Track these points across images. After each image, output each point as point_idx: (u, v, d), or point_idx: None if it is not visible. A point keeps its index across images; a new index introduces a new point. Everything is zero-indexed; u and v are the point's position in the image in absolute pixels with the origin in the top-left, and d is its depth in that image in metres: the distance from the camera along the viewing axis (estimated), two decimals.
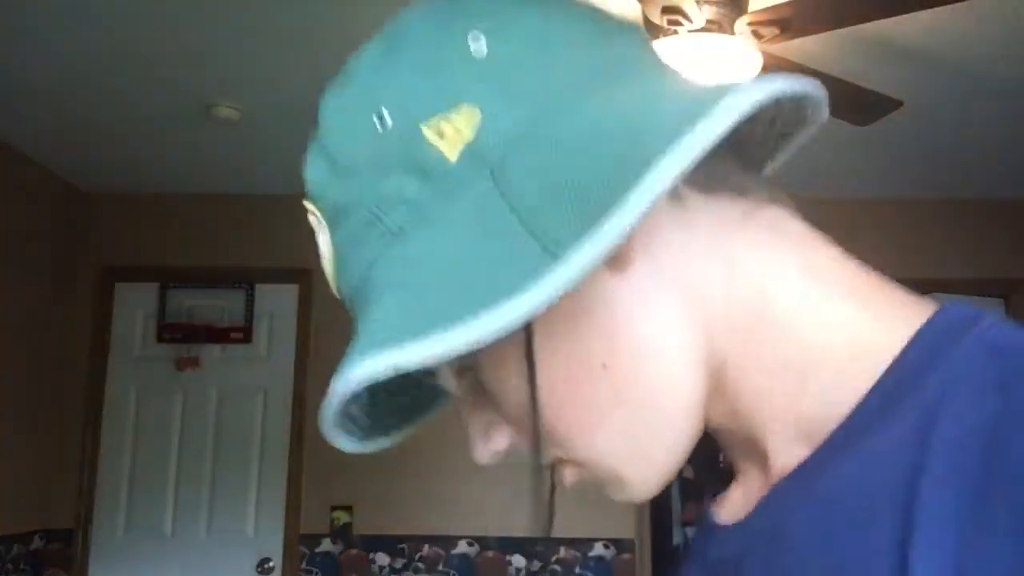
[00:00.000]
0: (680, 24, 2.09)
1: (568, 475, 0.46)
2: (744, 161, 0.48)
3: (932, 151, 3.55)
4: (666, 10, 2.05)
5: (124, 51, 2.79)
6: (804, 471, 0.42)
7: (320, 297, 4.07)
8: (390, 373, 0.35)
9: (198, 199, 4.16)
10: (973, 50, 2.71)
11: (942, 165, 3.72)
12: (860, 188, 3.98)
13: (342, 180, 0.42)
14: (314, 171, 0.44)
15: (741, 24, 2.13)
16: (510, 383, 0.43)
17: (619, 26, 0.45)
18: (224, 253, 4.11)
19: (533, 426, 0.42)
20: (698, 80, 0.44)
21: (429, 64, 0.41)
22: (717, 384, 0.44)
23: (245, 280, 4.08)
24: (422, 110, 0.40)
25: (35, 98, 3.15)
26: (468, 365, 0.45)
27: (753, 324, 0.43)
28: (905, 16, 2.27)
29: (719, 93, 0.37)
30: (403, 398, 0.54)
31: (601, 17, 0.45)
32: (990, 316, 0.39)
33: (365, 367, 0.35)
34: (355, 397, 0.48)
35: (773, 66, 2.27)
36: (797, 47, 2.47)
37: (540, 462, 0.44)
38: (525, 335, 0.40)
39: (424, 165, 0.40)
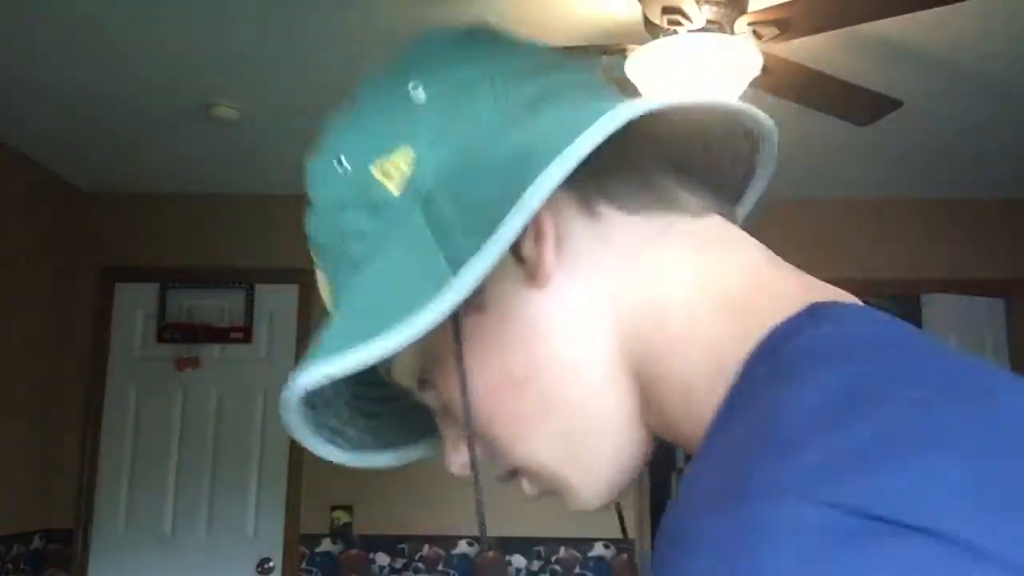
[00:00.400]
0: (680, 24, 2.09)
1: (525, 485, 0.49)
2: (711, 182, 0.50)
3: (932, 151, 3.55)
4: (666, 10, 2.05)
5: (124, 51, 2.79)
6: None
7: (320, 297, 4.06)
8: (324, 381, 0.41)
9: (198, 199, 4.16)
10: (973, 50, 2.71)
11: (942, 165, 3.72)
12: (860, 188, 3.98)
13: (317, 221, 0.49)
14: (306, 216, 0.50)
15: (741, 24, 2.13)
16: (454, 397, 0.47)
17: (561, 59, 0.49)
18: (224, 253, 4.11)
19: (468, 437, 0.46)
20: (617, 95, 0.47)
21: (376, 114, 0.47)
22: (646, 398, 0.44)
23: (245, 280, 4.08)
24: (370, 154, 0.46)
25: (35, 98, 3.15)
26: (428, 379, 0.49)
27: (653, 337, 0.43)
28: (905, 16, 2.27)
29: (596, 115, 0.40)
30: (415, 420, 0.57)
31: (544, 54, 0.49)
32: (820, 323, 0.36)
33: (302, 377, 0.42)
34: (329, 409, 0.52)
35: (773, 66, 2.27)
36: (797, 47, 2.47)
37: (476, 471, 0.48)
38: (455, 350, 0.45)
39: (373, 201, 0.45)
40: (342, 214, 0.47)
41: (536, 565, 3.87)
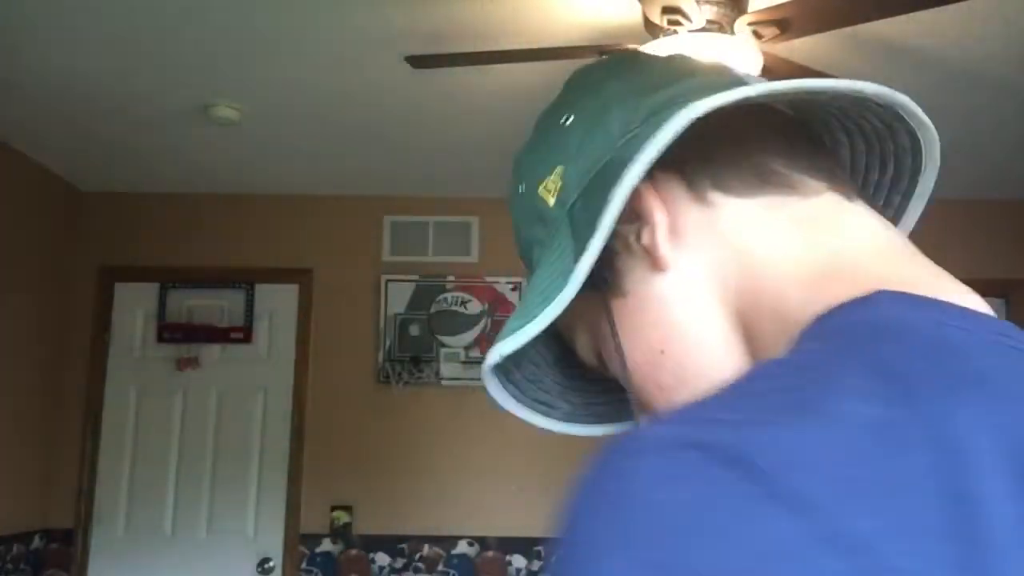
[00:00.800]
0: (680, 24, 2.09)
1: None
2: (837, 161, 0.54)
3: None
4: (666, 10, 2.05)
5: (124, 51, 2.79)
6: None
7: (320, 297, 4.07)
8: (491, 363, 0.51)
9: (198, 199, 4.16)
10: (973, 50, 2.71)
11: (942, 165, 3.71)
12: None
13: (517, 236, 0.60)
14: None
15: (741, 24, 2.13)
16: (619, 374, 0.55)
17: (695, 68, 0.55)
18: (224, 253, 4.11)
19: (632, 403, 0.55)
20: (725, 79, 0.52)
21: (540, 145, 0.58)
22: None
23: (245, 280, 4.08)
24: (537, 177, 0.56)
25: (35, 98, 3.15)
26: (603, 358, 0.56)
27: (754, 312, 0.48)
28: (905, 16, 2.27)
29: (667, 118, 0.47)
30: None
31: (680, 64, 0.56)
32: (865, 309, 0.40)
33: (490, 356, 0.51)
34: (536, 384, 0.62)
35: (773, 66, 2.27)
36: (797, 47, 2.47)
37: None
38: (609, 332, 0.54)
39: (542, 215, 0.55)
40: (528, 228, 0.57)
41: (536, 565, 3.87)
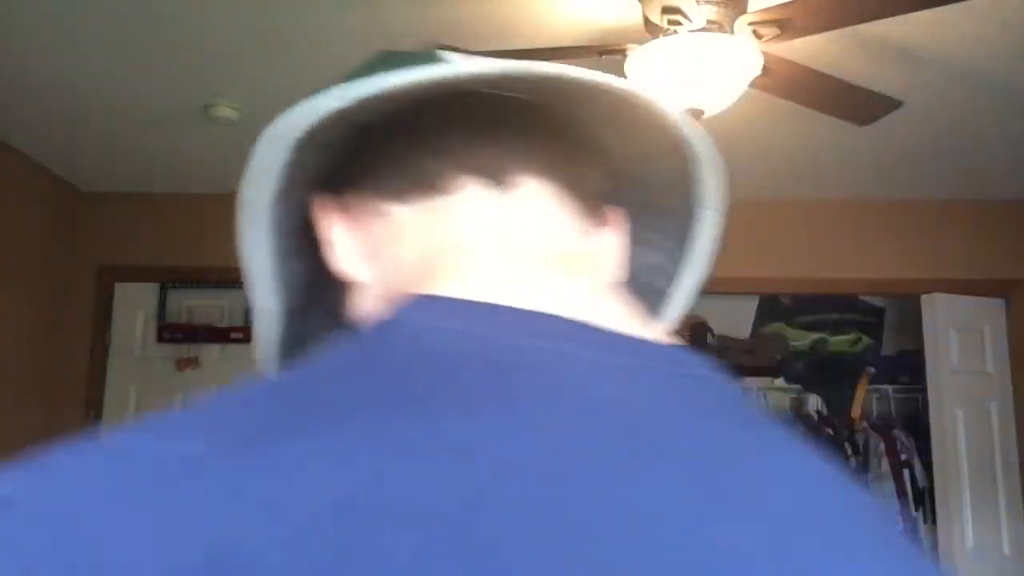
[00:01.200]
0: (680, 24, 2.09)
1: None
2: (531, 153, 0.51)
3: (932, 151, 3.55)
4: (666, 10, 2.05)
5: (124, 50, 2.79)
6: None
7: None
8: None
9: (198, 199, 4.15)
10: (973, 50, 2.71)
11: (942, 165, 3.72)
12: (860, 188, 3.98)
13: None
14: None
15: (741, 24, 2.13)
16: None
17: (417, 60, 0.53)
18: (224, 253, 4.08)
19: None
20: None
21: None
22: None
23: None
24: None
25: (35, 98, 3.15)
26: None
27: None
28: (905, 16, 2.27)
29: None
30: None
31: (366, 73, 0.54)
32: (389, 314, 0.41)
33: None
34: None
35: (773, 66, 2.27)
36: (797, 47, 2.47)
37: None
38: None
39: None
40: None
41: None
